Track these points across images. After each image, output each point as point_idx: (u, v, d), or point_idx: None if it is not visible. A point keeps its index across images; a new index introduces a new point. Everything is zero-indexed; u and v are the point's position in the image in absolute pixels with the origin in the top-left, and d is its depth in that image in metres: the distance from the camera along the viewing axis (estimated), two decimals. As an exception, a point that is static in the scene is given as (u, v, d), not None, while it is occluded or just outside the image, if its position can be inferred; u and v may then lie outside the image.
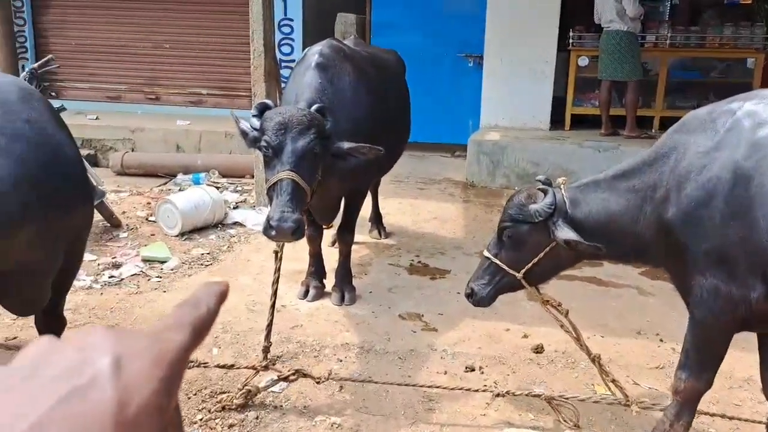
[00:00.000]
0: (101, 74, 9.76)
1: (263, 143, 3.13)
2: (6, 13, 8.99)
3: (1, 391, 0.36)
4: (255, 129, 3.23)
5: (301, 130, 3.09)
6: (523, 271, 2.72)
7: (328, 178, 3.44)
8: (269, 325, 3.18)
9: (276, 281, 3.17)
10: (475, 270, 2.91)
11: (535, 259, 2.68)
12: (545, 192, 2.64)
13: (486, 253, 2.82)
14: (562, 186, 2.70)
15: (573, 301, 4.30)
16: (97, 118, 8.79)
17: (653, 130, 7.96)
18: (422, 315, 4.11)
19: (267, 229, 2.97)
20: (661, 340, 3.88)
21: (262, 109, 3.26)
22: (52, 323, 2.96)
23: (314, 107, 3.31)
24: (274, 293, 3.18)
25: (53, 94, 9.88)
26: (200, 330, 0.43)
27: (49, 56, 5.61)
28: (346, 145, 3.27)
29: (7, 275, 2.47)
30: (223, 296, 0.46)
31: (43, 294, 2.70)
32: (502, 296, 2.93)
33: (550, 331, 3.89)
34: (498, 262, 2.77)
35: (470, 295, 2.86)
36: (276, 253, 3.20)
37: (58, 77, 9.91)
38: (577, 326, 3.96)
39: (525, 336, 3.85)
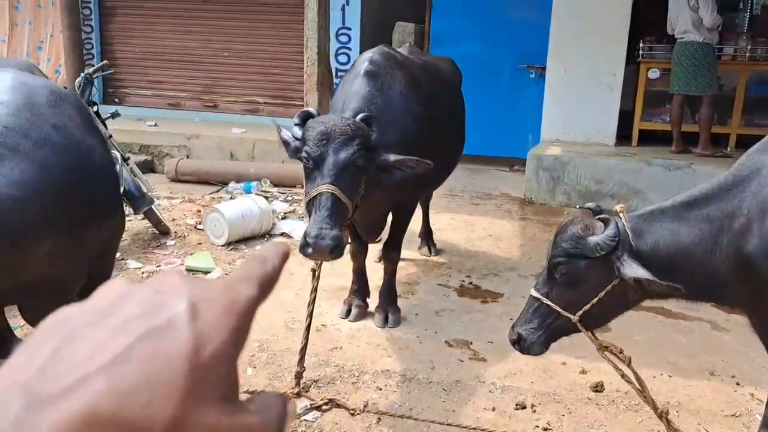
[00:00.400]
0: (163, 81, 9.90)
1: (304, 154, 2.94)
2: (75, 21, 9.19)
3: (80, 327, 0.37)
4: (297, 138, 3.04)
5: (344, 141, 2.89)
6: (580, 313, 2.40)
7: (373, 191, 3.23)
8: (303, 349, 2.98)
9: (312, 302, 2.97)
10: (522, 312, 2.57)
11: (595, 300, 2.35)
12: (606, 222, 2.32)
13: (534, 293, 2.48)
14: (621, 214, 2.37)
15: (637, 334, 3.96)
16: (155, 125, 8.88)
17: (728, 149, 7.44)
18: (471, 342, 3.83)
19: (303, 247, 2.77)
20: (738, 384, 3.47)
21: (305, 118, 3.08)
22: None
23: (359, 116, 3.10)
24: (310, 315, 2.97)
25: (117, 100, 10.10)
26: (266, 285, 0.44)
27: (104, 62, 5.63)
28: (393, 157, 3.04)
29: (26, 288, 2.35)
30: (286, 256, 0.47)
31: (66, 308, 2.57)
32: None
33: (611, 368, 3.55)
34: (549, 302, 2.44)
35: (517, 342, 2.53)
36: (313, 271, 3.00)
37: (123, 84, 10.12)
38: (642, 364, 3.61)
39: (583, 372, 3.52)
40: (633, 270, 2.19)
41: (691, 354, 3.80)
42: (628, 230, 2.29)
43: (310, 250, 2.74)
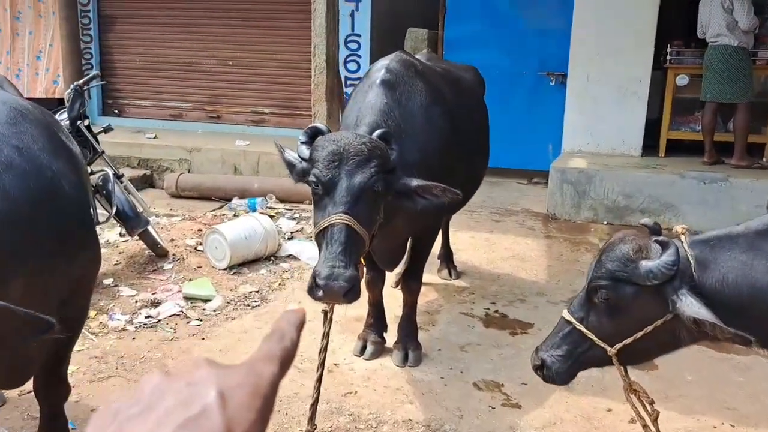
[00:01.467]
0: (165, 92, 9.53)
1: (312, 178, 2.52)
2: (72, 30, 8.83)
3: (125, 420, 0.43)
4: (304, 159, 2.62)
5: (359, 162, 2.47)
6: (618, 346, 1.98)
7: (392, 218, 2.81)
8: (314, 404, 2.54)
9: (324, 349, 2.53)
10: (550, 334, 2.16)
11: (639, 334, 1.92)
12: (664, 245, 1.90)
13: (567, 316, 2.08)
14: (682, 238, 1.95)
15: (688, 372, 3.52)
16: (155, 137, 8.50)
17: (764, 159, 6.97)
18: (502, 385, 3.39)
19: (312, 289, 2.34)
20: (813, 435, 3.03)
21: (313, 135, 2.66)
22: (51, 390, 2.44)
23: (376, 133, 2.68)
24: (321, 364, 2.54)
25: (116, 111, 9.74)
26: (286, 362, 0.49)
27: (95, 73, 5.25)
28: (415, 182, 2.62)
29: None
30: (302, 325, 0.52)
31: (29, 362, 2.17)
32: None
33: (667, 415, 3.10)
34: (584, 329, 2.04)
35: (540, 368, 2.13)
36: (325, 313, 2.56)
37: (122, 95, 9.77)
38: (699, 411, 3.17)
39: (633, 421, 3.06)
40: (693, 309, 1.77)
41: (753, 397, 3.35)
42: (690, 258, 1.87)
43: (320, 293, 2.32)
